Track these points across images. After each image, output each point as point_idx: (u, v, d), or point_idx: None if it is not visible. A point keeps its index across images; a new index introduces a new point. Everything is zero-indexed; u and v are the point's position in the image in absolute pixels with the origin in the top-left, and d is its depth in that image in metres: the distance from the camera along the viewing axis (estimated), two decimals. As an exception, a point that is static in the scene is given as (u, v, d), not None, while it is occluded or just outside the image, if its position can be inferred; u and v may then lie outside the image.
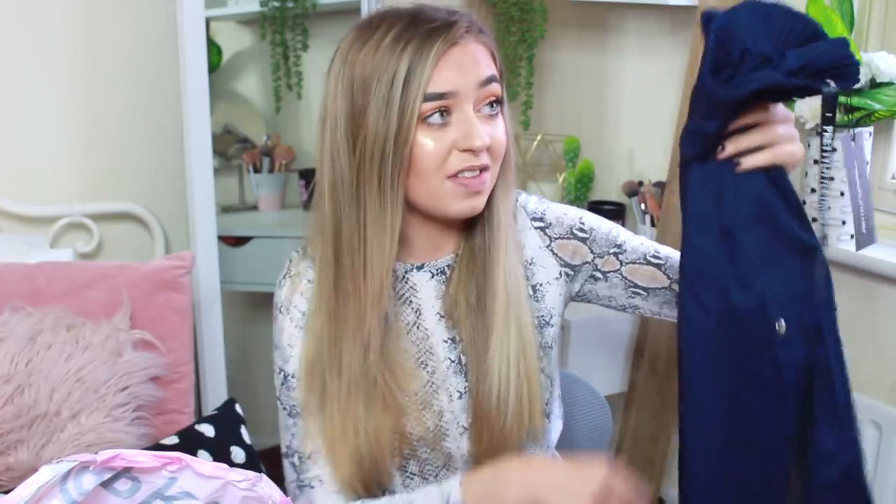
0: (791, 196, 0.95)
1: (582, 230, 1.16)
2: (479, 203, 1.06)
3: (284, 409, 1.13)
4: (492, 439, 1.08)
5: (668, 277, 1.14)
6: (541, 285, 1.15)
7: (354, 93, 1.02)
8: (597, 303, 1.20)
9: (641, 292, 1.15)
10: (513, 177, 1.12)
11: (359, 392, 1.06)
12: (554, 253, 1.16)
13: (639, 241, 1.17)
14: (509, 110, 1.12)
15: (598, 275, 1.16)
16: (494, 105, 1.05)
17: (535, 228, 1.16)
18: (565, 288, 1.17)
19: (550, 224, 1.16)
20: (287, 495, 1.08)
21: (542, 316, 1.15)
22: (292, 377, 1.11)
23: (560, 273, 1.16)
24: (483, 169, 1.03)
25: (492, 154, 1.04)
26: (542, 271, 1.15)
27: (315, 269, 1.11)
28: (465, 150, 1.02)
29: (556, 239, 1.16)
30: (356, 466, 1.07)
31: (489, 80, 1.03)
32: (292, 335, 1.12)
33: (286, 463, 1.13)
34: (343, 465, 1.07)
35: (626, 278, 1.15)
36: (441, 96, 1.00)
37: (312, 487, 1.09)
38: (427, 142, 1.01)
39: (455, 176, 1.03)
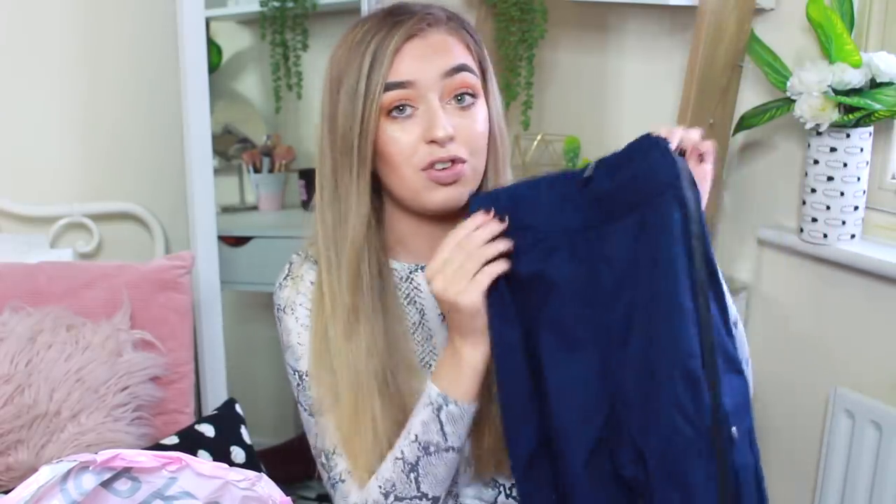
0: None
1: None
2: (457, 193, 1.05)
3: (304, 409, 1.12)
4: (492, 442, 1.09)
5: None
6: None
7: (332, 92, 1.05)
8: None
9: None
10: (504, 169, 1.12)
11: (370, 389, 1.06)
12: None
13: None
14: (503, 105, 1.12)
15: None
16: (465, 97, 1.04)
17: None
18: None
19: None
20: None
21: None
22: (306, 376, 1.11)
23: None
24: (455, 160, 1.03)
25: (466, 146, 1.04)
26: None
27: (316, 270, 1.12)
28: (430, 142, 1.02)
29: None
30: (377, 458, 1.06)
31: (457, 70, 1.03)
32: (300, 333, 1.11)
33: (317, 464, 1.12)
34: (361, 457, 1.07)
35: None
36: (400, 85, 1.01)
37: (343, 481, 1.08)
38: (394, 134, 1.02)
39: (427, 169, 1.03)
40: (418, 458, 1.02)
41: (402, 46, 1.02)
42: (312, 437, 1.12)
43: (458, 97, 1.04)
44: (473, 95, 1.05)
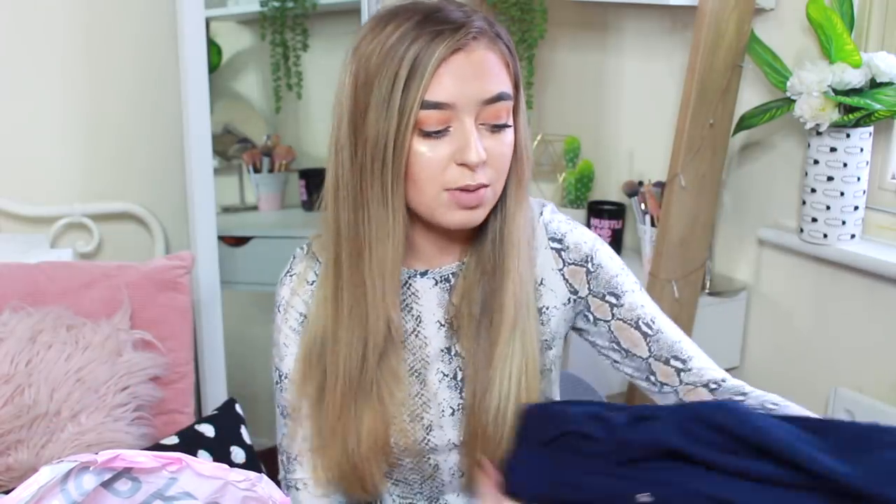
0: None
1: (592, 261, 1.11)
2: (476, 216, 1.02)
3: (278, 407, 1.14)
4: (486, 455, 1.06)
5: (650, 351, 1.10)
6: (547, 308, 1.11)
7: (358, 89, 0.99)
8: (586, 339, 1.16)
9: (621, 350, 1.12)
10: (526, 187, 1.07)
11: (352, 394, 1.05)
12: (565, 278, 1.11)
13: (641, 300, 1.12)
14: (527, 118, 1.07)
15: (590, 316, 1.12)
16: (499, 125, 1.00)
17: (552, 249, 1.11)
18: (570, 314, 1.13)
19: (567, 248, 1.12)
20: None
21: (545, 339, 1.11)
22: (285, 378, 1.12)
23: (568, 299, 1.12)
24: (480, 186, 0.99)
25: (493, 169, 1.00)
26: (550, 294, 1.11)
27: (320, 270, 1.11)
28: (461, 164, 0.98)
29: (569, 264, 1.11)
30: (342, 468, 1.07)
31: (497, 98, 0.98)
32: (287, 336, 1.12)
33: (279, 458, 1.15)
34: (330, 467, 1.08)
35: (611, 331, 1.11)
36: (438, 105, 0.96)
37: (297, 489, 1.12)
38: (423, 150, 0.98)
39: (452, 189, 0.99)
40: None
41: (446, 61, 0.96)
42: (280, 434, 1.14)
43: (492, 125, 1.00)
44: (505, 124, 1.01)
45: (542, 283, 1.11)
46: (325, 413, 1.07)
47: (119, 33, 2.02)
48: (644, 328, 1.10)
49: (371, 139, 0.98)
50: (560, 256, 1.11)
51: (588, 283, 1.11)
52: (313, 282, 1.12)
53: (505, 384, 1.05)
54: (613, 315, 1.11)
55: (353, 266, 1.04)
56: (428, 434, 1.09)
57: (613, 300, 1.11)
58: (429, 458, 1.11)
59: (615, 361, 1.14)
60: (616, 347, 1.12)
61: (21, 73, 1.96)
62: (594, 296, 1.11)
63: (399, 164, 0.98)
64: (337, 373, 1.06)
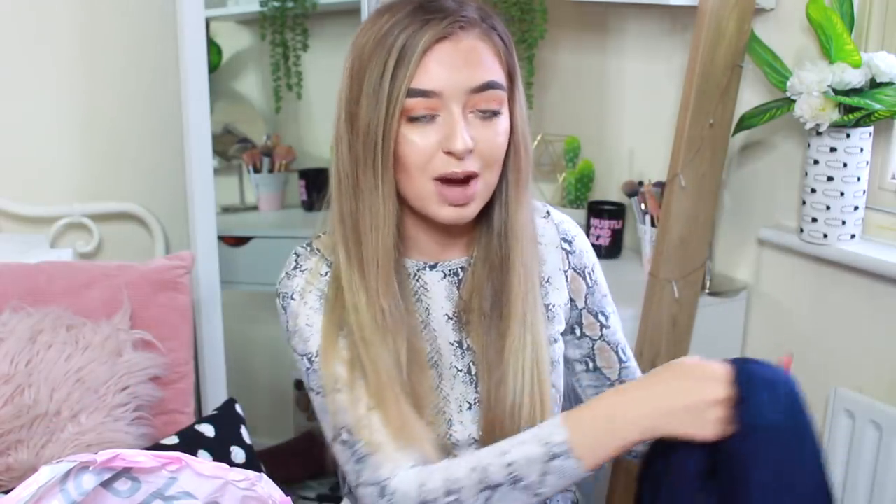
0: None
1: (591, 276, 1.15)
2: (466, 213, 1.02)
3: (318, 392, 1.07)
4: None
5: (619, 376, 1.16)
6: (553, 306, 1.13)
7: (353, 79, 1.01)
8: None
9: (589, 365, 1.17)
10: (527, 181, 1.08)
11: (395, 383, 1.03)
12: (567, 280, 1.14)
13: (619, 325, 1.18)
14: (526, 113, 1.07)
15: (577, 329, 1.16)
16: (489, 112, 1.00)
17: (562, 250, 1.14)
18: (567, 316, 1.15)
19: (574, 252, 1.15)
20: (350, 482, 1.05)
21: (551, 334, 1.13)
22: (316, 357, 1.06)
23: (568, 300, 1.15)
24: (469, 177, 1.00)
25: (483, 159, 1.01)
26: (556, 293, 1.14)
27: (329, 266, 1.09)
28: (447, 153, 0.99)
29: (572, 268, 1.14)
30: (401, 425, 1.02)
31: (486, 87, 0.99)
32: (309, 316, 1.07)
33: (336, 448, 1.05)
34: (391, 423, 1.02)
35: (593, 349, 1.16)
36: (424, 93, 0.97)
37: (372, 455, 1.01)
38: (411, 138, 0.99)
39: (440, 180, 1.00)
40: (501, 484, 0.96)
41: (431, 49, 0.97)
42: (328, 417, 1.05)
43: (482, 111, 1.00)
44: (497, 112, 1.01)
45: (548, 280, 1.13)
46: (368, 381, 1.03)
47: (118, 33, 2.03)
48: (621, 354, 1.17)
49: (363, 128, 1.00)
50: (568, 259, 1.15)
51: (585, 298, 1.15)
52: (327, 273, 1.09)
53: (518, 378, 1.06)
54: (602, 335, 1.16)
55: (357, 255, 1.04)
56: (449, 429, 1.09)
57: (603, 320, 1.16)
58: (452, 455, 1.09)
59: (575, 373, 1.18)
60: (587, 363, 1.17)
61: (21, 74, 1.96)
62: (588, 312, 1.16)
63: (388, 152, 0.99)
64: (377, 370, 1.02)
